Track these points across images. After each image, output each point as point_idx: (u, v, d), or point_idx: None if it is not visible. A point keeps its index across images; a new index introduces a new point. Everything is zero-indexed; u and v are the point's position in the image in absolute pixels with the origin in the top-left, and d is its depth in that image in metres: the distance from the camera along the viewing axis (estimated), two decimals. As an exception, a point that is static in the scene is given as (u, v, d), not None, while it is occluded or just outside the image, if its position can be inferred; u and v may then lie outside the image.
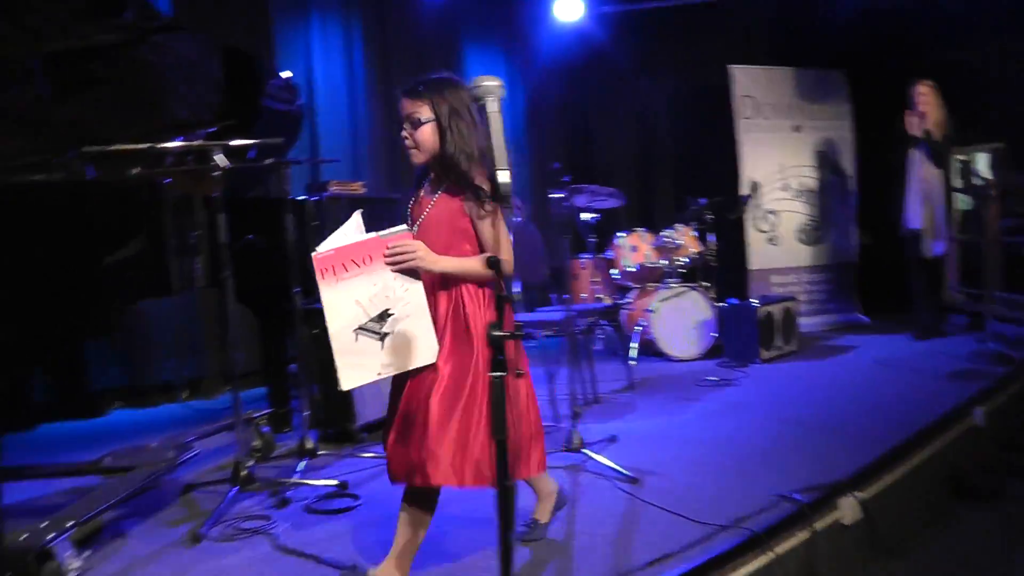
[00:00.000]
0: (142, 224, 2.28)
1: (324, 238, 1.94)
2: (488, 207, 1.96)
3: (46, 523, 2.20)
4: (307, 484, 2.85)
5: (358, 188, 4.25)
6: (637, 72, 6.91)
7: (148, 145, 2.68)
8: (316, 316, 3.41)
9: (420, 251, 1.93)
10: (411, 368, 1.96)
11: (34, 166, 2.55)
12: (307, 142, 5.21)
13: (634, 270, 5.29)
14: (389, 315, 1.93)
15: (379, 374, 1.94)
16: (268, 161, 3.15)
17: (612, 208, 4.69)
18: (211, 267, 2.79)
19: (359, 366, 1.92)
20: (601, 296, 5.31)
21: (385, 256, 1.92)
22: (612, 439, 3.29)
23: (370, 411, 3.51)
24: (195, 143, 2.91)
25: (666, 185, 7.19)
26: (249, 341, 3.88)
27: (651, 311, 5.03)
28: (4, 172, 2.43)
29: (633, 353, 4.94)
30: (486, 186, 1.96)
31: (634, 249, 5.31)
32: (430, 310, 1.97)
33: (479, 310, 2.01)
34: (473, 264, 2.00)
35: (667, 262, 5.23)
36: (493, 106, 1.59)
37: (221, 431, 3.40)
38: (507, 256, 1.96)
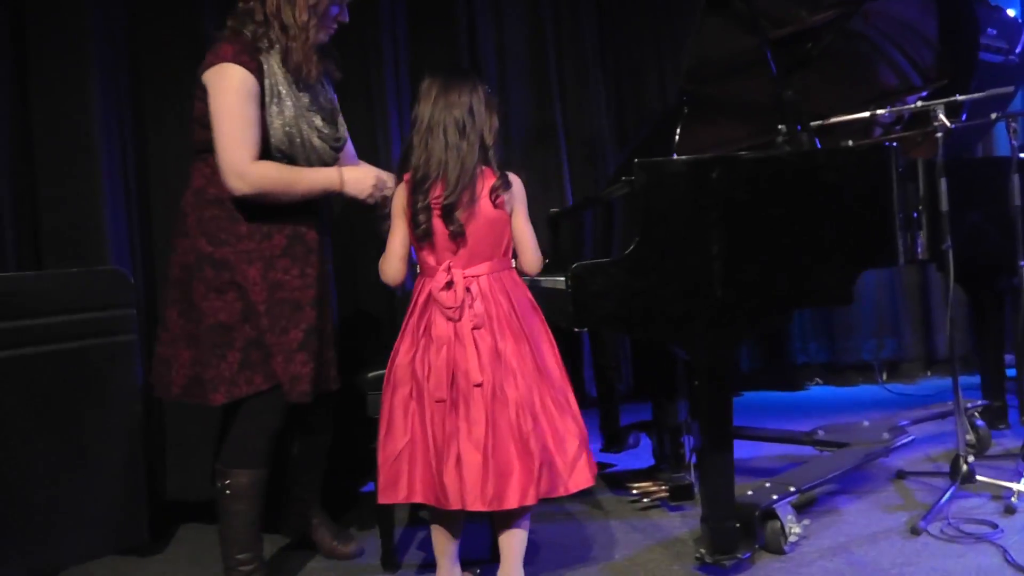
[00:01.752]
0: (872, 190, 2.21)
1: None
2: None
3: (768, 484, 2.31)
4: (1041, 494, 2.42)
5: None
6: None
7: (869, 113, 2.58)
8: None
9: None
10: None
11: (762, 146, 2.72)
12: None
13: None
14: None
15: None
16: (994, 116, 2.76)
17: None
18: (930, 238, 2.57)
19: None
20: None
21: None
22: None
23: None
24: (912, 106, 2.71)
25: None
26: (959, 323, 3.52)
27: None
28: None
29: None
30: None
31: None
32: None
33: None
34: None
35: None
36: None
37: (935, 418, 3.14)
38: None
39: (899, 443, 2.71)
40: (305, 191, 2.10)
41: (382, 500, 1.97)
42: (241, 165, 1.98)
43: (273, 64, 2.06)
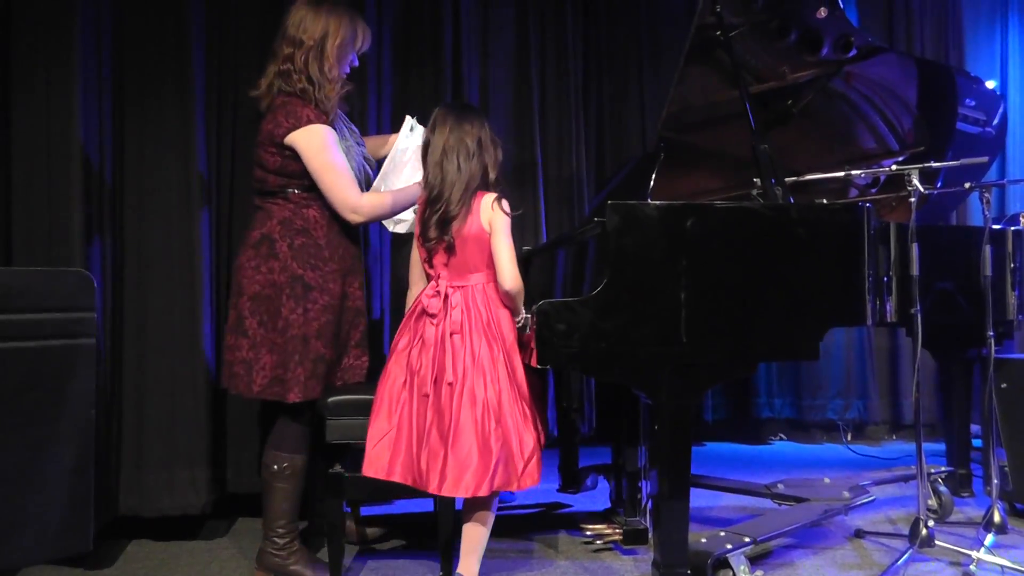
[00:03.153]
0: (844, 248, 2.23)
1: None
2: None
3: (723, 533, 2.29)
4: (998, 564, 2.41)
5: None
6: None
7: (844, 173, 2.62)
8: (1010, 368, 2.94)
9: None
10: None
11: (736, 199, 2.75)
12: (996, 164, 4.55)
13: None
14: None
15: None
16: (968, 185, 2.80)
17: None
18: (900, 301, 2.59)
19: None
20: None
21: None
22: None
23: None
24: (887, 169, 2.76)
25: None
26: (926, 389, 3.54)
27: None
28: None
29: None
30: None
31: None
32: None
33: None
34: None
35: None
36: None
37: (898, 481, 3.15)
38: None
39: (859, 502, 2.70)
40: (402, 207, 2.55)
41: (366, 473, 2.19)
42: (354, 202, 2.43)
43: None
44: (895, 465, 3.80)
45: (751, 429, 4.58)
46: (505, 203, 2.23)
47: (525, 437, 2.18)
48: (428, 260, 2.27)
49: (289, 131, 2.38)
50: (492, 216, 2.20)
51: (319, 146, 2.39)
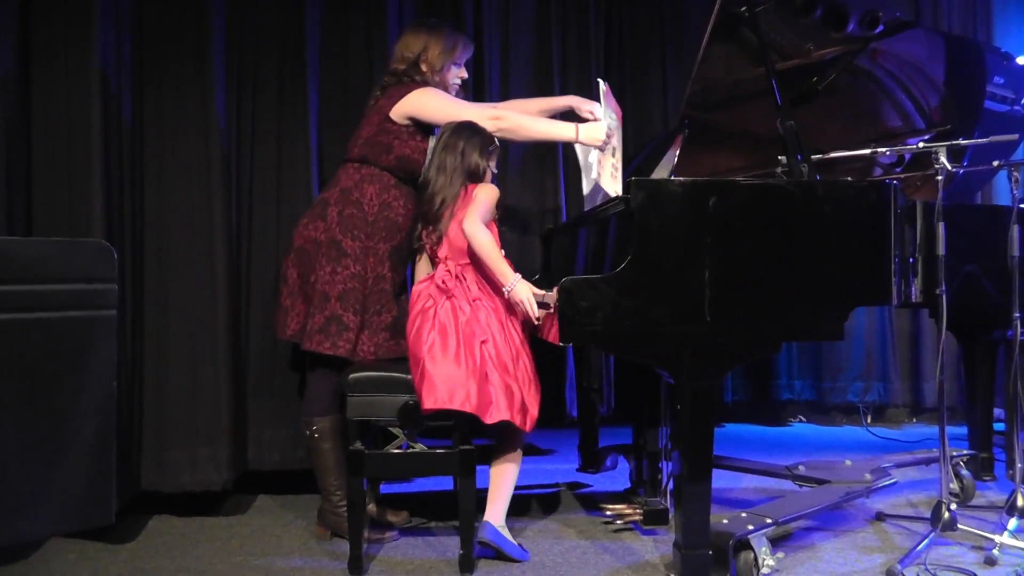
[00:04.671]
0: (870, 227, 2.20)
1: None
2: None
3: (745, 514, 2.28)
4: (1021, 548, 2.38)
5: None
6: None
7: (871, 151, 2.58)
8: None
9: None
10: None
11: (759, 178, 2.71)
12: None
13: None
14: None
15: None
16: (996, 164, 2.75)
17: None
18: (925, 282, 2.56)
19: None
20: None
21: None
22: None
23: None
24: (914, 147, 2.70)
25: None
26: (949, 372, 3.50)
27: None
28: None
29: None
30: None
31: None
32: None
33: None
34: None
35: None
36: None
37: (919, 464, 3.12)
38: None
39: (880, 484, 2.68)
40: (539, 136, 2.77)
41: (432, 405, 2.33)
42: (488, 110, 2.67)
43: None
44: (916, 448, 3.76)
45: (771, 411, 4.56)
46: (484, 187, 2.48)
47: (532, 387, 2.46)
48: (432, 251, 2.53)
49: (399, 98, 2.60)
50: (476, 192, 2.47)
51: (431, 96, 2.63)
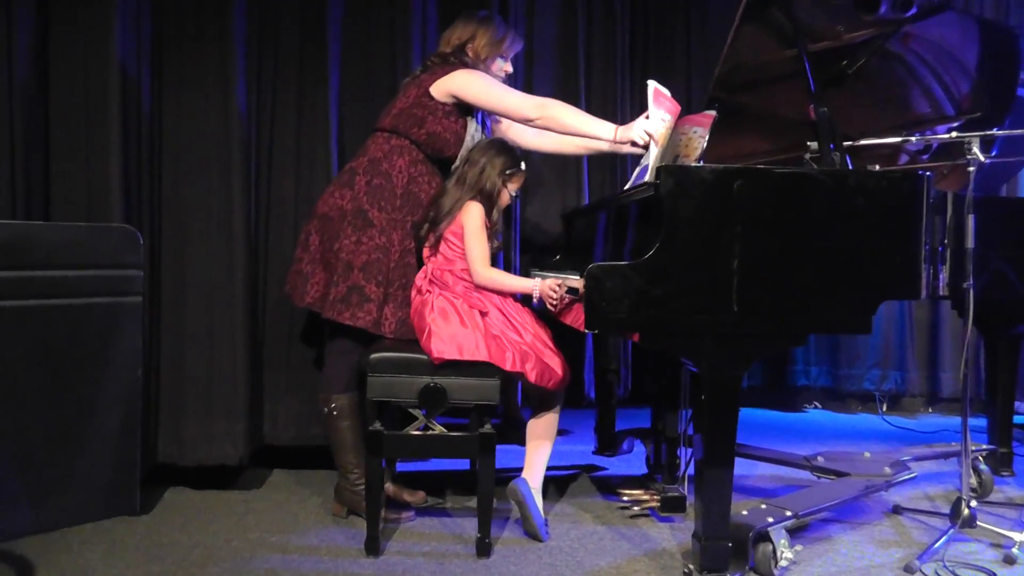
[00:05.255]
0: (902, 219, 2.16)
1: None
2: None
3: (765, 506, 2.26)
4: (1041, 545, 2.37)
5: None
6: None
7: (901, 139, 2.53)
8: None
9: None
10: None
11: (785, 162, 2.66)
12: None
13: None
14: None
15: None
16: (1031, 156, 2.70)
17: None
18: (952, 274, 2.52)
19: None
20: None
21: None
22: None
23: None
24: (947, 136, 2.65)
25: None
26: (968, 363, 3.46)
27: None
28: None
29: None
30: None
31: None
32: None
33: None
34: None
35: None
36: None
37: (939, 458, 3.09)
38: None
39: (900, 478, 2.65)
40: (578, 130, 2.67)
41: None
42: (533, 99, 2.66)
43: None
44: (932, 438, 3.74)
45: (786, 396, 4.54)
46: (472, 206, 2.52)
47: (549, 351, 2.54)
48: (432, 246, 2.57)
49: (443, 75, 2.61)
50: (465, 218, 2.52)
51: (477, 78, 2.63)
